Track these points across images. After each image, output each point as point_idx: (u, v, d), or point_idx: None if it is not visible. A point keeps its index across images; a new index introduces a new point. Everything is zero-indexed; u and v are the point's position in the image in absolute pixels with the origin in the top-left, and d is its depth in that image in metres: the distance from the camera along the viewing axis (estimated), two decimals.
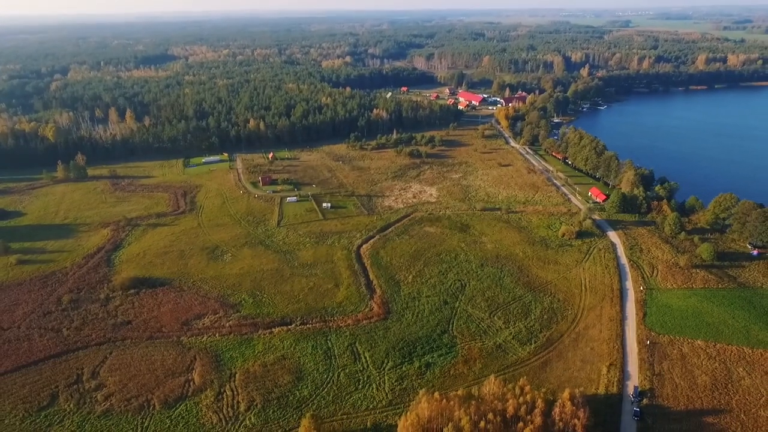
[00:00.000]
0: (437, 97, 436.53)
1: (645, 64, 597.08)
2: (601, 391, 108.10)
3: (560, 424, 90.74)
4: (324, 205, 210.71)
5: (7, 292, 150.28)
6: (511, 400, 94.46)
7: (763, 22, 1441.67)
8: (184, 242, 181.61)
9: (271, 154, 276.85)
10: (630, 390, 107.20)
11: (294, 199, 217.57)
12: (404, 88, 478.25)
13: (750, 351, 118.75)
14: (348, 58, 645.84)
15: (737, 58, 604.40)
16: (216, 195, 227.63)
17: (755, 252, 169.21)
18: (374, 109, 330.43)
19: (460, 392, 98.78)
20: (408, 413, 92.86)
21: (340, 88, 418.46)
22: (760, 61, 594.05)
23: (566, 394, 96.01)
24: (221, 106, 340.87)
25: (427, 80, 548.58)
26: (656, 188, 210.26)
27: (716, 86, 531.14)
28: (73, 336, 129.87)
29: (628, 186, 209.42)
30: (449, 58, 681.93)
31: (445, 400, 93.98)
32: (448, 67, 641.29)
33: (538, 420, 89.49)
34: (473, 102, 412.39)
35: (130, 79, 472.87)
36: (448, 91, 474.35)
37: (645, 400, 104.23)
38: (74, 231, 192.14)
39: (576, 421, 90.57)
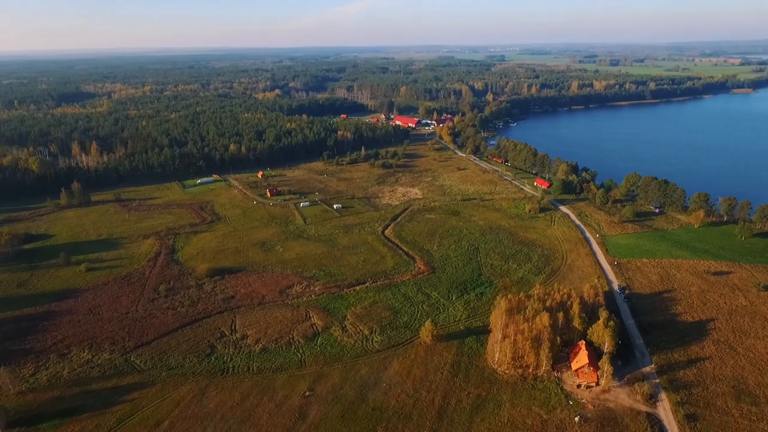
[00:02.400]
0: (377, 121, 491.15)
1: (533, 90, 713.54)
2: (592, 294, 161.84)
3: (589, 301, 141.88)
4: (335, 206, 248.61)
5: (99, 291, 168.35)
6: (556, 294, 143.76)
7: (606, 56, 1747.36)
8: (232, 242, 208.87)
9: (260, 173, 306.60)
10: (616, 287, 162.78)
11: (307, 203, 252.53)
12: (343, 116, 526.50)
13: (675, 261, 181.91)
14: (278, 91, 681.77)
15: (600, 84, 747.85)
16: (232, 206, 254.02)
17: (657, 210, 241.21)
18: (338, 131, 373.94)
19: (521, 295, 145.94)
20: (495, 307, 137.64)
21: (295, 115, 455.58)
22: (617, 86, 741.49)
23: (588, 286, 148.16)
24: (190, 134, 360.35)
25: (358, 108, 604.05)
26: (583, 174, 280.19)
27: (590, 106, 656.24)
28: (192, 311, 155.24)
29: (563, 175, 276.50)
30: (368, 89, 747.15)
31: (516, 298, 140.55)
32: (370, 97, 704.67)
33: (576, 301, 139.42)
34: (410, 124, 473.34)
35: (66, 115, 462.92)
36: (383, 116, 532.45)
37: (627, 291, 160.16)
38: (117, 244, 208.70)
39: (599, 299, 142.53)
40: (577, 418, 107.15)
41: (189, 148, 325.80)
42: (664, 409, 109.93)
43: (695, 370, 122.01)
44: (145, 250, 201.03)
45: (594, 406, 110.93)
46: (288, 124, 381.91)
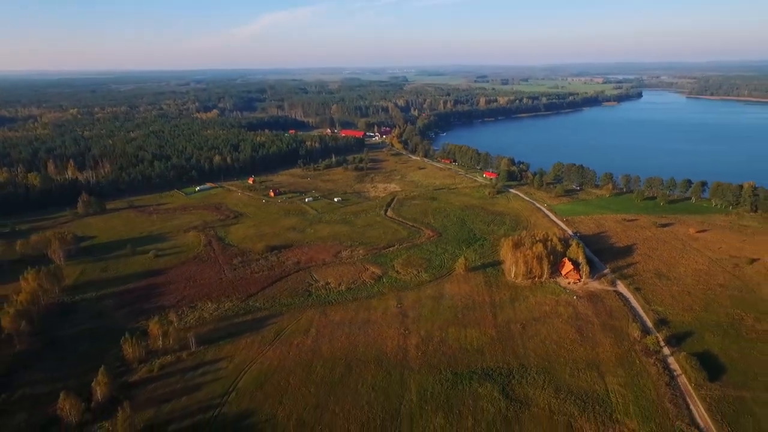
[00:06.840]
0: (329, 134, 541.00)
1: (449, 105, 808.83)
2: (560, 235, 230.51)
3: (561, 237, 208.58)
4: (336, 199, 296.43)
5: (182, 268, 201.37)
6: (538, 235, 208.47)
7: (496, 76, 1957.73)
8: (266, 229, 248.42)
9: (251, 179, 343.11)
10: (570, 232, 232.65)
11: (311, 199, 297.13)
12: (292, 131, 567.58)
13: (601, 216, 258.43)
14: (216, 111, 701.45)
15: (503, 99, 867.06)
16: (244, 205, 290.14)
17: (578, 188, 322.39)
18: (306, 142, 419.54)
19: (517, 237, 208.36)
20: (503, 245, 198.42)
21: (248, 131, 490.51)
22: (517, 101, 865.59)
23: (555, 230, 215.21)
24: (167, 149, 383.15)
25: (300, 125, 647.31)
26: (520, 166, 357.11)
27: (499, 118, 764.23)
28: (272, 273, 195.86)
29: (506, 167, 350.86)
30: (300, 107, 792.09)
31: (515, 237, 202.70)
32: (303, 115, 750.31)
33: (555, 237, 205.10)
34: (358, 136, 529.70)
35: (10, 138, 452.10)
36: (328, 131, 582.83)
37: (578, 234, 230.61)
38: (164, 238, 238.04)
39: (566, 235, 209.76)
40: (575, 297, 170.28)
41: (175, 161, 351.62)
42: (622, 287, 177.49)
43: (632, 268, 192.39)
44: (194, 240, 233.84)
45: (582, 291, 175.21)
46: (258, 138, 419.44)
